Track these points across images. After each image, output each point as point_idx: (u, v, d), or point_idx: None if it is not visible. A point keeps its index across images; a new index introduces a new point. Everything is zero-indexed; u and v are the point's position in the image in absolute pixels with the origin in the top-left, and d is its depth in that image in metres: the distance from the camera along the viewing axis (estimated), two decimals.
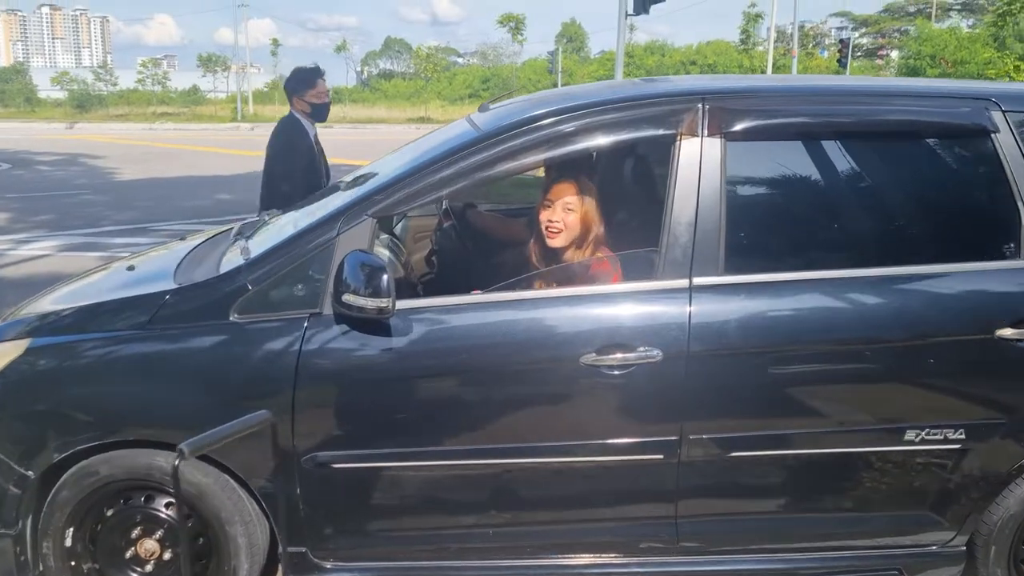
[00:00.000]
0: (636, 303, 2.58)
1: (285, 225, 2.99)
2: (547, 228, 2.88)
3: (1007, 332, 2.55)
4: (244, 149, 22.49)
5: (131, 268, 3.21)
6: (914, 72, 36.08)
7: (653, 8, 12.14)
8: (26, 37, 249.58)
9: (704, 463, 2.62)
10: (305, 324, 2.55)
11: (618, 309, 2.58)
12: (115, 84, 58.15)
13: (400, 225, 4.23)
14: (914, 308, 2.59)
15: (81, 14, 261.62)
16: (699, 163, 2.59)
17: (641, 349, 2.51)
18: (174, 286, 2.73)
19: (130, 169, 17.28)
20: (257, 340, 2.57)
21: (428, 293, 3.70)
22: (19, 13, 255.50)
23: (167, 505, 2.67)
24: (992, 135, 2.64)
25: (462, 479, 2.67)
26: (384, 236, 3.44)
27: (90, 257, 7.95)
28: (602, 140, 2.70)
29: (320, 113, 5.27)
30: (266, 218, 3.42)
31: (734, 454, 2.62)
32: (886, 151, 2.85)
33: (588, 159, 3.26)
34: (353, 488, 2.65)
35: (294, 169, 5.04)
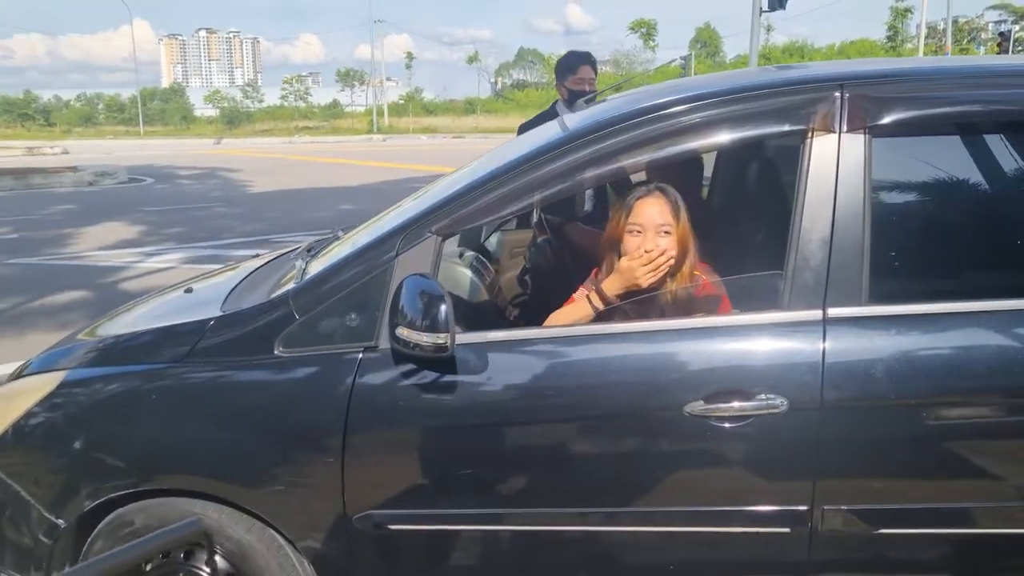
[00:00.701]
0: (754, 339, 2.08)
1: (347, 244, 2.64)
2: (642, 263, 2.35)
3: None
4: (374, 160, 22.81)
5: (189, 291, 2.93)
6: None
7: (792, 7, 11.35)
8: (185, 59, 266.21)
9: (843, 539, 2.09)
10: (359, 360, 2.18)
11: (731, 346, 2.08)
12: (261, 101, 60.88)
13: (495, 239, 3.85)
14: None
15: (234, 36, 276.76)
16: (836, 164, 2.07)
17: (761, 397, 2.01)
18: (218, 314, 2.42)
19: (262, 181, 17.70)
20: (303, 378, 2.22)
21: (521, 317, 3.32)
22: (179, 37, 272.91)
23: (209, 562, 2.35)
24: None
25: (542, 546, 2.23)
26: (468, 254, 3.06)
27: (208, 270, 7.95)
28: (713, 139, 2.21)
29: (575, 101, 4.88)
30: (339, 233, 3.09)
31: (881, 531, 2.08)
32: None
33: (679, 165, 2.76)
34: (414, 555, 2.26)
35: None
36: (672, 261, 2.33)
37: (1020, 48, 49.82)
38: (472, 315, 2.78)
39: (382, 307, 2.17)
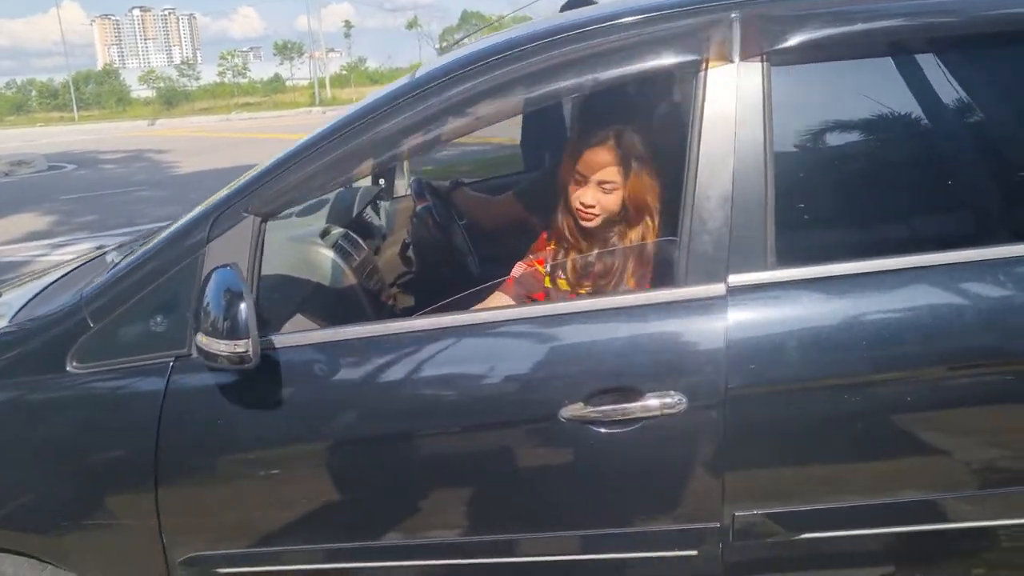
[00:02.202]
0: (640, 324, 1.70)
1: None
2: (577, 211, 2.08)
3: None
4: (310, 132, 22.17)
5: None
6: None
7: None
8: (120, 40, 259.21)
9: (761, 550, 1.75)
10: (169, 372, 1.78)
11: (616, 334, 1.70)
12: (198, 79, 59.29)
13: (385, 208, 3.44)
14: None
15: (169, 13, 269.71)
16: (733, 104, 1.70)
17: (652, 395, 1.64)
18: (4, 327, 2.00)
19: (192, 162, 16.96)
20: (103, 398, 1.82)
21: (406, 300, 2.93)
22: (112, 17, 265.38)
23: None
24: None
25: None
26: (336, 232, 2.64)
27: None
28: (577, 80, 1.79)
29: None
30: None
31: (805, 536, 1.74)
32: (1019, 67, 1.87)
33: (630, 104, 2.36)
34: None
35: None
36: (601, 212, 2.04)
37: None
38: (333, 305, 2.39)
39: (192, 306, 1.76)
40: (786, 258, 1.67)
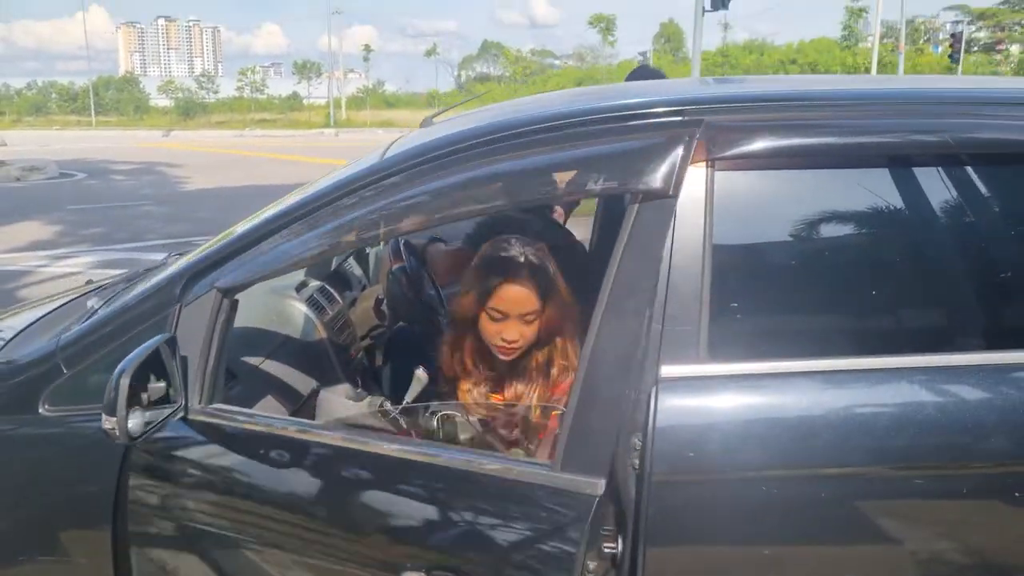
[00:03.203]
0: None
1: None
2: (498, 348, 2.06)
3: None
4: (323, 157, 22.35)
5: None
6: None
7: (754, 6, 11.18)
8: (143, 48, 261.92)
9: None
10: None
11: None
12: (216, 92, 59.86)
13: (372, 253, 3.56)
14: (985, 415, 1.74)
15: (194, 25, 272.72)
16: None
17: None
18: None
19: (201, 178, 17.20)
20: (68, 441, 1.92)
21: (377, 350, 3.05)
22: (137, 25, 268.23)
23: None
24: None
25: None
26: (313, 285, 2.76)
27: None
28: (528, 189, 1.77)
29: None
30: (171, 260, 2.77)
31: None
32: (961, 183, 1.97)
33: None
34: None
35: None
36: (523, 343, 2.05)
37: (975, 48, 50.53)
38: (301, 357, 2.50)
39: None
40: (718, 353, 1.77)
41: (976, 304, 1.96)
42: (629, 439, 1.70)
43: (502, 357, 2.05)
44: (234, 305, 1.90)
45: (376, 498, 1.73)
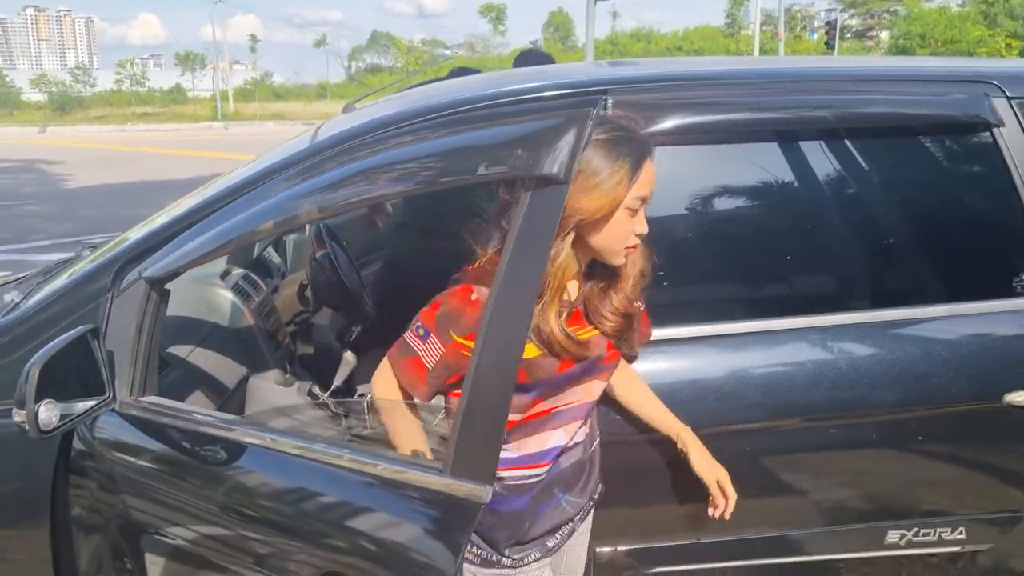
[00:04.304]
0: None
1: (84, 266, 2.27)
2: (627, 249, 1.60)
3: (1020, 397, 1.88)
4: (212, 150, 21.72)
5: None
6: (904, 52, 35.39)
7: None
8: (9, 40, 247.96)
9: None
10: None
11: None
12: (94, 85, 57.25)
13: (288, 242, 3.55)
14: (891, 367, 1.90)
15: (65, 15, 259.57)
16: None
17: None
18: None
19: (85, 175, 16.48)
20: (2, 440, 1.88)
21: (301, 337, 3.06)
22: (2, 16, 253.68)
23: None
24: (994, 130, 1.96)
25: None
26: (236, 272, 2.75)
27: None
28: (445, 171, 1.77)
29: None
30: (86, 252, 2.71)
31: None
32: (845, 155, 2.13)
33: None
34: None
35: None
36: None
37: (848, 35, 52.89)
38: (231, 344, 2.50)
39: None
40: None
41: (862, 267, 2.14)
42: None
43: (618, 261, 1.61)
44: (164, 295, 1.89)
45: (275, 496, 1.74)
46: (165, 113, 49.46)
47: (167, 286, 1.86)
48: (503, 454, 1.59)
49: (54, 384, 1.63)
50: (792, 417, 1.92)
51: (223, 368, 2.42)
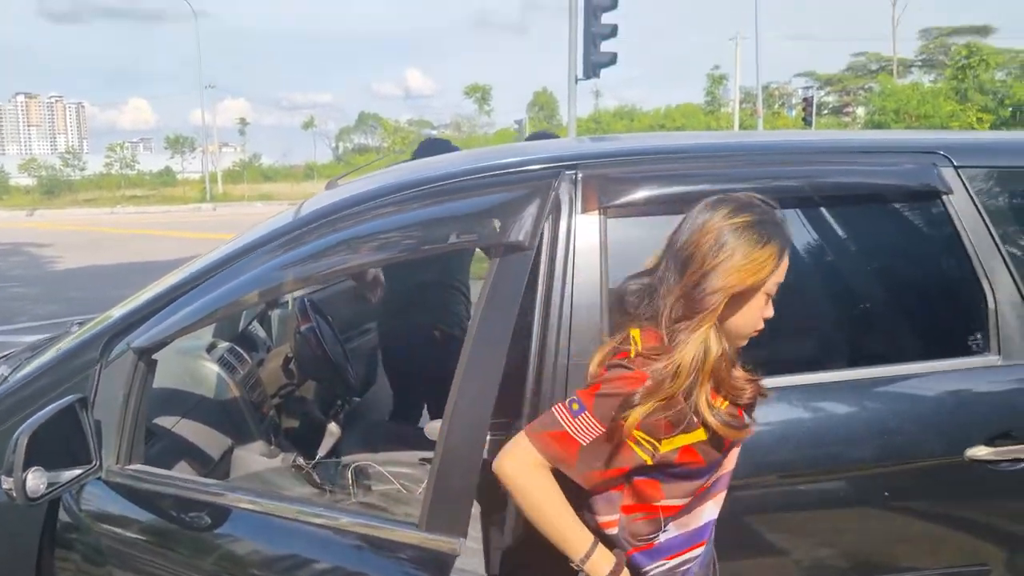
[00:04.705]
0: None
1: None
2: (755, 332, 1.65)
3: (980, 452, 1.95)
4: (200, 231, 21.89)
5: None
6: (879, 127, 36.26)
7: (623, 74, 11.76)
8: (1, 125, 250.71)
9: None
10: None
11: None
12: (83, 169, 57.76)
13: (274, 315, 3.62)
14: (857, 425, 1.97)
15: (56, 101, 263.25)
16: (572, 248, 1.96)
17: None
18: None
19: (73, 257, 16.55)
20: None
21: (287, 410, 3.10)
22: None
23: None
24: (943, 197, 2.07)
25: None
26: (222, 346, 2.81)
27: None
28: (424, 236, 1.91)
29: None
30: (74, 328, 2.77)
31: None
32: (805, 224, 2.19)
33: None
34: None
35: None
36: None
37: (826, 111, 54.27)
38: (217, 416, 2.55)
39: None
40: None
41: (823, 329, 2.22)
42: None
43: (742, 343, 1.65)
44: (151, 365, 1.95)
45: (264, 563, 1.79)
46: (154, 195, 49.79)
47: (154, 356, 1.92)
48: (666, 541, 1.59)
49: (42, 452, 1.68)
50: (765, 474, 1.97)
51: (208, 439, 2.46)
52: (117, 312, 2.10)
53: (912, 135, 2.56)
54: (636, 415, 1.47)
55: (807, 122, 31.06)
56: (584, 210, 1.98)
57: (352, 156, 68.32)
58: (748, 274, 1.51)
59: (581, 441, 1.49)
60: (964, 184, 2.08)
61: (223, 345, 2.81)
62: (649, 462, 1.52)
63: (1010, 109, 33.54)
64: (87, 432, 1.81)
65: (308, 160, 69.70)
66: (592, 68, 11.72)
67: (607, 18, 11.71)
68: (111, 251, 17.59)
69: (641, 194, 2.00)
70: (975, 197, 2.07)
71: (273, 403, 2.96)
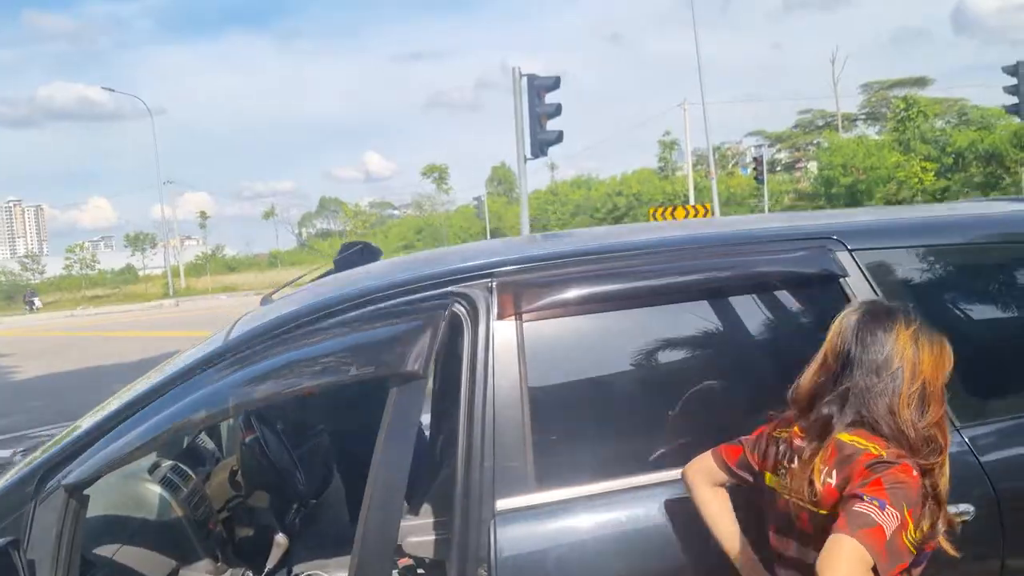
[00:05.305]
0: None
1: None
2: None
3: None
4: (162, 329, 21.75)
5: None
6: (828, 182, 37.16)
7: (577, 145, 12.05)
8: None
9: None
10: None
11: None
12: (42, 272, 57.31)
13: (225, 426, 3.63)
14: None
15: (15, 205, 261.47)
16: (490, 353, 2.05)
17: None
18: None
19: (31, 365, 16.34)
20: None
21: (237, 521, 3.11)
22: None
23: None
24: (840, 281, 2.18)
25: None
26: (165, 465, 2.83)
27: None
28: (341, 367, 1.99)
29: None
30: (17, 458, 2.78)
31: None
32: (709, 315, 2.27)
33: None
34: None
35: None
36: None
37: (779, 168, 55.54)
38: (160, 539, 2.56)
39: None
40: (544, 482, 2.01)
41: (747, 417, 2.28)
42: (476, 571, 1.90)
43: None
44: (83, 500, 1.98)
45: None
46: (116, 294, 49.49)
47: (86, 492, 1.95)
48: None
49: None
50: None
51: (151, 563, 2.47)
52: (53, 447, 2.12)
53: (808, 221, 2.67)
54: (911, 501, 1.58)
55: (759, 181, 31.79)
56: (500, 316, 2.07)
57: (315, 241, 68.57)
58: (944, 367, 1.73)
59: (887, 535, 1.52)
60: (859, 266, 2.19)
61: (166, 464, 2.83)
62: (914, 552, 1.59)
63: (952, 156, 34.57)
64: (20, 575, 1.82)
65: (272, 248, 69.79)
66: (540, 146, 12.04)
67: (550, 97, 12.07)
68: (72, 356, 17.42)
69: (554, 297, 2.10)
70: (870, 278, 2.19)
71: (221, 517, 2.96)
